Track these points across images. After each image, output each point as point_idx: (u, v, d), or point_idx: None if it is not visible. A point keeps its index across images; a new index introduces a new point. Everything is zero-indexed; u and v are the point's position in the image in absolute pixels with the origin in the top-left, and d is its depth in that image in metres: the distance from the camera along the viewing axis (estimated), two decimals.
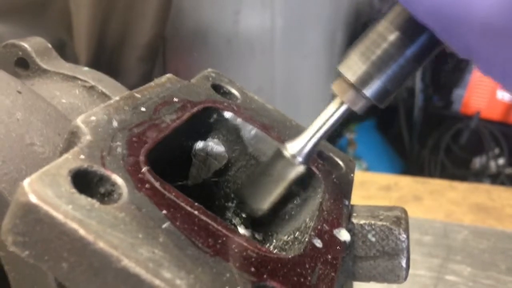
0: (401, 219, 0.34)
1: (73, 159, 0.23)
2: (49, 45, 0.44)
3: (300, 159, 0.30)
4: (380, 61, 0.27)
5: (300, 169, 0.30)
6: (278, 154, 0.31)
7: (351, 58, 0.28)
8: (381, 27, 0.27)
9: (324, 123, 0.30)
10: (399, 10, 0.26)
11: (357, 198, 0.35)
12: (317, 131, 0.30)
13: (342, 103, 0.29)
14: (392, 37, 0.26)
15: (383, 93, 0.28)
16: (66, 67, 0.43)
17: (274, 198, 0.31)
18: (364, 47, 0.27)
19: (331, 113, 0.30)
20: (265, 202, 0.31)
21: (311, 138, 0.30)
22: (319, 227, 0.30)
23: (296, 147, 0.30)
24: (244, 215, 0.34)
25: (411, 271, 0.34)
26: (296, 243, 0.30)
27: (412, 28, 0.26)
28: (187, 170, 0.35)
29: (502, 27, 0.20)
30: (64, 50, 1.10)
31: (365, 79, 0.27)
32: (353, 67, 0.27)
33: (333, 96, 0.30)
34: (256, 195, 0.31)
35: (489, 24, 0.21)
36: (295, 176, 0.30)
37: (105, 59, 1.12)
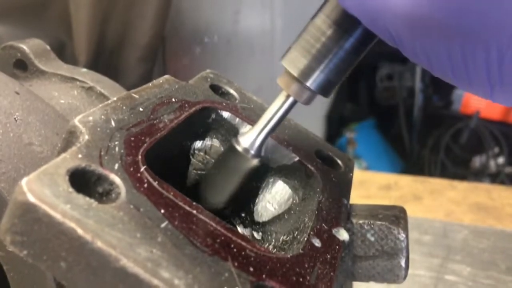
0: (400, 218, 0.34)
1: (71, 159, 0.23)
2: (47, 47, 0.44)
3: (252, 152, 0.31)
4: (320, 54, 0.28)
5: (253, 162, 0.31)
6: (231, 148, 0.31)
7: (292, 53, 0.29)
8: (319, 21, 0.28)
9: (273, 116, 0.31)
10: (334, 3, 0.27)
11: (357, 197, 0.35)
12: (266, 124, 0.31)
13: (288, 96, 0.30)
14: (330, 31, 0.27)
15: (327, 84, 0.29)
16: (65, 68, 0.43)
17: (230, 192, 0.32)
18: (304, 41, 0.28)
19: (278, 107, 0.31)
20: (222, 196, 0.32)
21: (261, 131, 0.31)
22: (318, 226, 0.30)
23: (248, 141, 0.31)
24: (242, 214, 0.34)
25: (410, 271, 0.34)
26: (295, 242, 0.30)
27: (348, 21, 0.27)
28: (185, 169, 0.35)
29: (420, 17, 0.21)
30: (64, 50, 1.10)
31: (307, 72, 0.28)
32: (295, 61, 0.28)
33: (279, 90, 0.31)
34: (212, 189, 0.32)
35: (407, 15, 0.21)
36: (249, 169, 0.31)
37: (105, 60, 1.12)
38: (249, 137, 0.31)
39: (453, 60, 0.22)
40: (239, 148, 0.31)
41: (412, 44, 0.23)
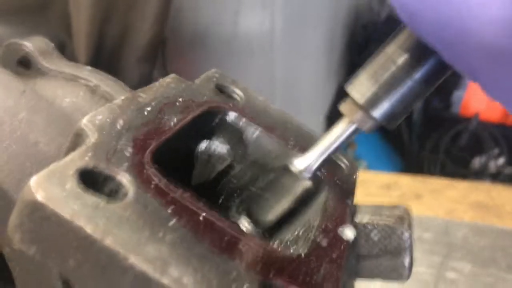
0: (404, 218, 0.34)
1: (79, 158, 0.23)
2: (52, 45, 0.44)
3: (307, 175, 0.31)
4: (388, 84, 0.27)
5: (306, 184, 0.31)
6: (285, 169, 0.31)
7: (360, 80, 0.28)
8: (390, 50, 0.27)
9: (333, 142, 0.30)
10: (407, 33, 0.27)
11: (358, 196, 0.36)
12: (326, 150, 0.31)
13: (350, 123, 0.30)
14: (401, 60, 0.27)
15: (392, 115, 0.28)
16: (69, 67, 0.43)
17: (279, 212, 0.32)
18: (372, 69, 0.28)
19: (340, 133, 0.30)
20: (271, 216, 0.32)
21: (319, 156, 0.31)
22: (323, 226, 0.30)
23: (304, 164, 0.31)
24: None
25: None
26: (301, 241, 0.30)
27: (420, 51, 0.26)
28: (191, 169, 0.35)
29: (501, 49, 0.20)
30: (64, 50, 1.10)
31: (374, 101, 0.28)
32: (362, 89, 0.28)
33: (341, 116, 0.30)
34: (262, 208, 0.32)
35: (487, 46, 0.20)
36: (302, 190, 0.31)
37: (105, 60, 1.12)
38: (306, 160, 0.31)
39: None
40: (294, 170, 0.31)
41: (492, 78, 0.22)
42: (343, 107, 0.29)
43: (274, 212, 0.31)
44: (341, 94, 0.29)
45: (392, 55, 0.27)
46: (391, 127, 0.29)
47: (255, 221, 0.31)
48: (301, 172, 0.31)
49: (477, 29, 0.20)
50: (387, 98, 0.27)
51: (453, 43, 0.22)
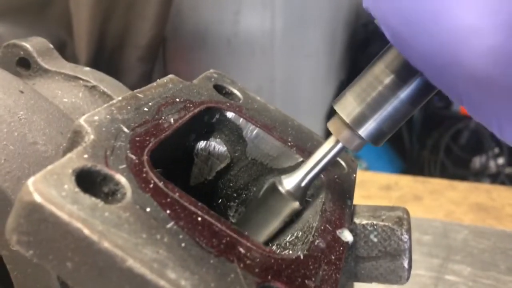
0: (403, 220, 0.34)
1: (77, 159, 0.23)
2: (51, 45, 0.44)
3: (295, 195, 0.31)
4: (375, 103, 0.27)
5: (294, 205, 0.31)
6: (274, 189, 0.31)
7: (347, 99, 0.28)
8: (377, 70, 0.27)
9: (320, 161, 0.31)
10: (395, 54, 0.27)
11: (357, 197, 0.36)
12: (313, 168, 0.31)
13: (337, 142, 0.30)
14: (387, 80, 0.27)
15: (378, 133, 0.28)
16: (68, 67, 0.43)
17: (269, 232, 0.32)
18: (360, 88, 0.28)
19: (326, 151, 0.30)
20: (262, 236, 0.32)
21: (306, 174, 0.31)
22: (322, 227, 0.30)
23: (292, 183, 0.31)
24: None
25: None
26: (299, 243, 0.30)
27: (407, 72, 0.26)
28: (189, 170, 0.35)
29: (490, 78, 0.20)
30: (64, 50, 1.10)
31: (360, 120, 0.28)
32: (349, 107, 0.28)
33: (328, 134, 0.31)
34: (251, 229, 0.32)
35: (476, 75, 0.20)
36: (290, 212, 0.31)
37: (105, 59, 1.12)
38: (293, 180, 0.31)
39: None
40: (282, 190, 0.31)
41: (479, 104, 0.22)
42: (331, 125, 0.30)
43: (262, 233, 0.32)
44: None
45: (379, 75, 0.27)
46: (378, 145, 0.30)
47: None
48: (288, 192, 0.31)
49: (467, 57, 0.20)
50: (373, 118, 0.28)
51: (441, 69, 0.22)
